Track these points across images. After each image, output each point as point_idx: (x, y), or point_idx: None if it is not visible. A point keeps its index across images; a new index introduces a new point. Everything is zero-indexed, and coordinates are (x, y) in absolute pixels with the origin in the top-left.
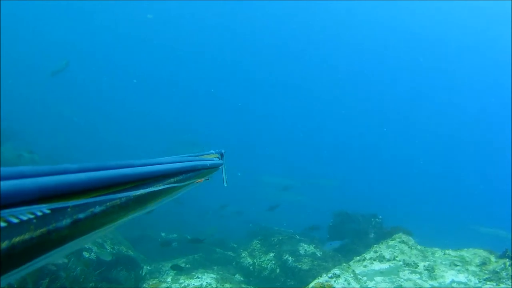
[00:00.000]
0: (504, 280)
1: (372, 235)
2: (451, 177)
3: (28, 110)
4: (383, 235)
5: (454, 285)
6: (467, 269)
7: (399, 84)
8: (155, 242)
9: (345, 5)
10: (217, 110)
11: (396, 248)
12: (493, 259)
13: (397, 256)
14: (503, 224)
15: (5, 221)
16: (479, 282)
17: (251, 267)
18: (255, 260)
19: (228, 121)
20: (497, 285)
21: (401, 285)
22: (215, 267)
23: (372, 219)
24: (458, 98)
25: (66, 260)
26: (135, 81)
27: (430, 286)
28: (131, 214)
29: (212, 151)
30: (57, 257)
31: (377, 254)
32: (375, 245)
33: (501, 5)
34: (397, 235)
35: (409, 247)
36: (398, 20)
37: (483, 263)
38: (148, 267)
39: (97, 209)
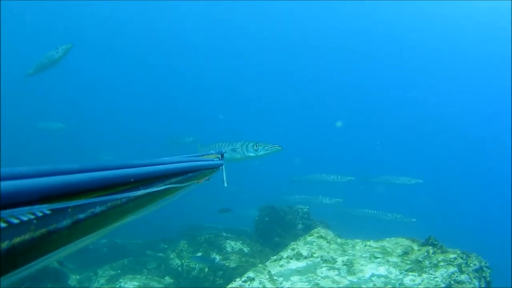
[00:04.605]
0: (426, 269)
1: (300, 226)
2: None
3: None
4: (312, 225)
5: (374, 278)
6: (388, 261)
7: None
8: (88, 249)
9: (348, 4)
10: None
11: (314, 244)
12: (415, 247)
13: (314, 253)
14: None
15: (5, 221)
16: (400, 273)
17: (179, 268)
18: (183, 261)
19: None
20: (419, 275)
21: (318, 284)
22: (145, 271)
23: (300, 210)
24: (456, 100)
25: None
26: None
27: (348, 282)
28: (132, 215)
29: (212, 152)
30: (57, 257)
31: (294, 252)
32: (292, 242)
33: (501, 5)
34: (315, 230)
35: (327, 241)
36: (395, 20)
37: (405, 253)
38: (77, 277)
39: (98, 209)
